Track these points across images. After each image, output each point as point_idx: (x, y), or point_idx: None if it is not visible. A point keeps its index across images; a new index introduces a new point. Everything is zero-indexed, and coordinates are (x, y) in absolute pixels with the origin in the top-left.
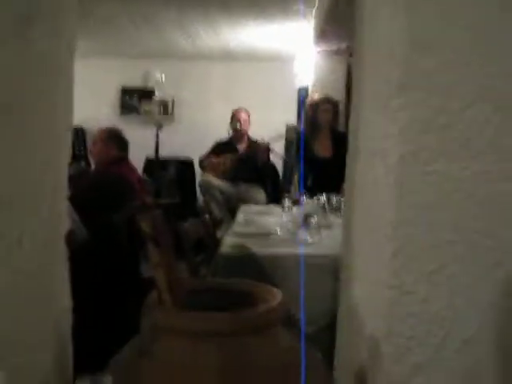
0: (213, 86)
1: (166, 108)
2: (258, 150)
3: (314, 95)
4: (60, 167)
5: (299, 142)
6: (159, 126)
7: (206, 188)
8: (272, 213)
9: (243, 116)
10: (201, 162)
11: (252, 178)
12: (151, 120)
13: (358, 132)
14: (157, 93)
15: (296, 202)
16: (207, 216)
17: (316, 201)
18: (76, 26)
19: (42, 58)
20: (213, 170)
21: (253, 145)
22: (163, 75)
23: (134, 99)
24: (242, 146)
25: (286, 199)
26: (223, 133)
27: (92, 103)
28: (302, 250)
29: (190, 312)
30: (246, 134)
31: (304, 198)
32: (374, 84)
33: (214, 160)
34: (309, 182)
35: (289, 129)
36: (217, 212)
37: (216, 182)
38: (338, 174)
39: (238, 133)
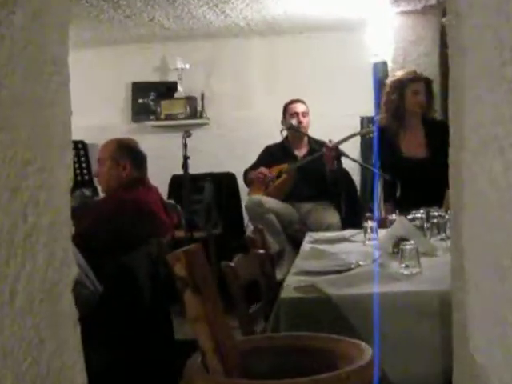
0: (254, 72)
1: (193, 107)
2: (325, 155)
3: (397, 72)
4: (57, 195)
5: (380, 138)
6: (186, 133)
7: (257, 211)
8: (350, 239)
9: (301, 109)
10: (246, 177)
11: (318, 194)
12: (175, 125)
13: (462, 118)
14: (180, 87)
15: (382, 223)
16: (261, 250)
17: (410, 219)
18: (67, 4)
19: (25, 50)
20: (263, 186)
21: (316, 148)
22: (187, 63)
23: (150, 98)
24: (301, 151)
25: (368, 219)
26: (274, 134)
27: (94, 107)
28: (394, 288)
29: (249, 382)
30: (307, 133)
31: (393, 216)
32: (483, 50)
33: (265, 172)
34: (398, 194)
35: (364, 122)
36: (274, 243)
37: (269, 202)
38: (438, 179)
39: (294, 133)
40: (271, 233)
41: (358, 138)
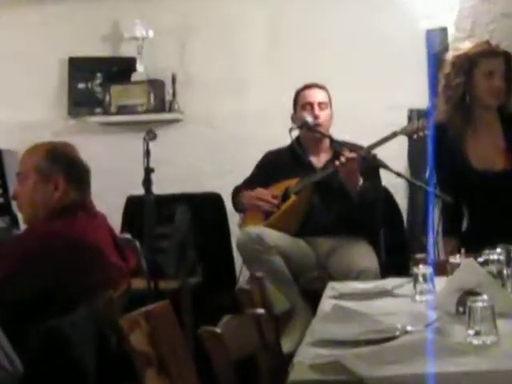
0: (250, 44)
1: (160, 95)
2: (343, 168)
3: (462, 44)
4: None
5: (437, 142)
6: (150, 134)
7: (254, 251)
8: (393, 292)
9: (318, 98)
10: (236, 198)
11: (346, 225)
12: (132, 122)
13: None
14: (140, 66)
15: (441, 268)
16: (260, 309)
17: (482, 262)
18: None
19: None
20: (263, 214)
21: (342, 156)
22: (150, 30)
23: (95, 82)
24: (320, 159)
25: (420, 263)
26: (280, 135)
27: (12, 96)
28: (460, 366)
29: None
30: (328, 134)
31: (457, 259)
32: None
33: (265, 196)
34: (464, 225)
35: (413, 117)
36: (279, 298)
37: (273, 236)
38: None
39: (310, 133)
40: (276, 283)
41: (403, 141)
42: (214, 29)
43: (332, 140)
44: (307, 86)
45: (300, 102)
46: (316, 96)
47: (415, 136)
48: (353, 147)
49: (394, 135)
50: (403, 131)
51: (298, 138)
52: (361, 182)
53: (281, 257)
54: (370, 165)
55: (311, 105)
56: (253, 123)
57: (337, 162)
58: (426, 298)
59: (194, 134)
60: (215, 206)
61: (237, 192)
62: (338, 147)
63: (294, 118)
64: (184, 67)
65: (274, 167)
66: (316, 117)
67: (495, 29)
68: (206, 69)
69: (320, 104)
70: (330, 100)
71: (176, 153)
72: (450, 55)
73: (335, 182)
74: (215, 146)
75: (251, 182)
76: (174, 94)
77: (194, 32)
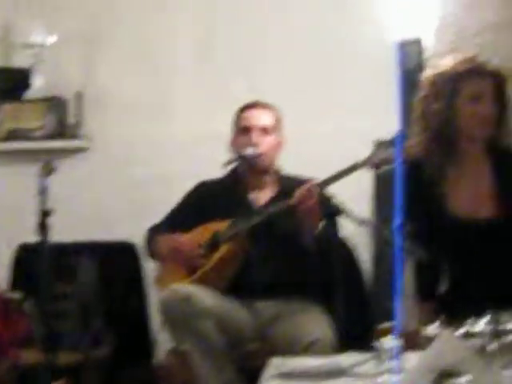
0: (178, 51)
1: (60, 117)
2: (299, 208)
3: (442, 60)
4: None
5: (411, 181)
6: (47, 167)
7: (181, 316)
8: (351, 372)
9: (263, 121)
10: (151, 244)
11: (294, 284)
12: (25, 150)
13: None
14: (36, 80)
15: (412, 341)
16: None
17: (464, 334)
18: None
19: None
20: (186, 268)
21: (291, 192)
22: (50, 34)
23: None
24: (262, 195)
25: (385, 334)
26: (213, 171)
27: None
28: None
29: None
30: (273, 166)
31: (432, 330)
32: None
33: (187, 241)
34: (443, 287)
35: (379, 149)
36: (210, 378)
37: (204, 297)
38: None
39: (252, 163)
40: (207, 357)
41: (367, 179)
42: (131, 36)
43: (279, 174)
44: (248, 106)
45: (237, 126)
46: (258, 118)
47: (381, 170)
48: (309, 182)
49: (353, 168)
50: (366, 162)
51: (234, 170)
52: (321, 224)
53: (214, 324)
54: (325, 209)
55: (249, 129)
56: (177, 155)
57: (296, 196)
58: (393, 378)
59: (103, 168)
60: (128, 258)
61: (153, 234)
62: (286, 182)
63: (231, 147)
64: (92, 83)
65: (205, 202)
66: (254, 144)
67: (484, 42)
68: (120, 86)
69: (263, 129)
70: (278, 123)
71: (80, 191)
72: (427, 74)
73: (280, 226)
74: (130, 183)
75: (173, 221)
76: (78, 116)
77: (106, 39)
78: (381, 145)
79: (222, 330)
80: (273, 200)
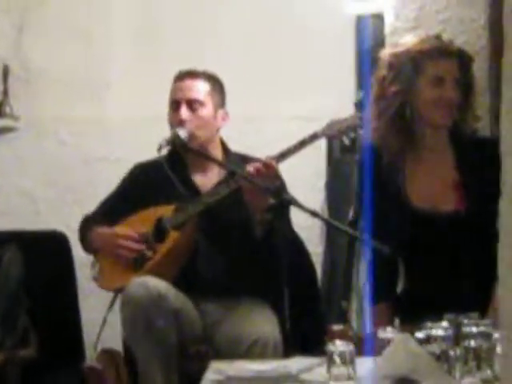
0: (114, 28)
1: None
2: (245, 189)
3: (404, 38)
4: None
5: (368, 169)
6: None
7: (147, 315)
8: (298, 378)
9: (192, 93)
10: (85, 235)
11: (243, 279)
12: None
13: None
14: None
15: (365, 344)
16: None
17: (422, 339)
18: None
19: None
20: (131, 263)
21: (239, 172)
22: None
23: None
24: (207, 178)
25: (337, 336)
26: (151, 153)
27: None
28: None
29: None
30: (213, 144)
31: (388, 332)
32: None
33: (126, 234)
34: (400, 285)
35: (333, 130)
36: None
37: (170, 291)
38: (481, 256)
39: (184, 144)
40: (156, 361)
41: (319, 167)
42: (64, 6)
43: (225, 148)
44: (179, 75)
45: (169, 99)
46: (187, 90)
47: (346, 138)
48: (257, 161)
49: (312, 138)
50: (327, 131)
51: (174, 151)
52: (269, 214)
53: (175, 325)
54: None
55: (178, 103)
56: (113, 135)
57: (248, 169)
58: None
59: (31, 149)
60: (57, 249)
61: (87, 227)
62: (233, 162)
63: (172, 119)
64: (21, 57)
65: (143, 186)
66: (182, 122)
67: (448, 18)
68: (52, 60)
69: (190, 102)
70: (216, 94)
71: (5, 174)
72: (385, 53)
73: (229, 213)
74: (60, 166)
75: (109, 211)
76: (5, 93)
77: (36, 9)
78: (337, 127)
79: (179, 332)
80: (220, 184)
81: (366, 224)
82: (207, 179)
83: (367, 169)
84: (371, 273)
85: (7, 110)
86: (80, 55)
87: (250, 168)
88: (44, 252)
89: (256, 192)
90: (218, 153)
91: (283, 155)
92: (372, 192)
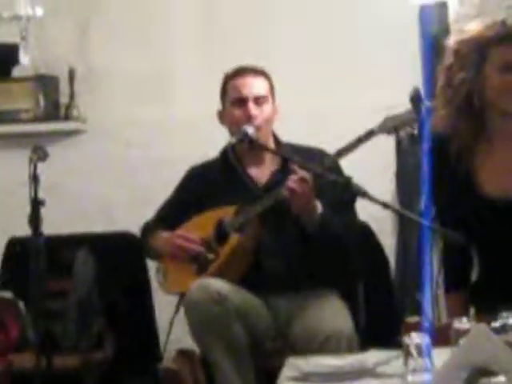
0: (179, 28)
1: (53, 97)
2: (289, 188)
3: (469, 25)
4: None
5: (437, 160)
6: (38, 151)
7: (211, 316)
8: (375, 371)
9: (256, 90)
10: (147, 240)
11: (309, 273)
12: (14, 134)
13: None
14: (24, 56)
15: (442, 336)
16: None
17: (499, 328)
18: None
19: None
20: (195, 265)
21: (292, 175)
22: (38, 6)
23: None
24: (263, 172)
25: (413, 329)
26: (217, 149)
27: None
28: None
29: None
30: (272, 135)
31: (464, 323)
32: None
33: (188, 238)
34: (475, 275)
35: (389, 126)
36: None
37: (232, 292)
38: None
39: (254, 140)
40: (232, 359)
41: (389, 158)
42: (126, 8)
43: (279, 145)
44: (238, 72)
45: (230, 96)
46: (251, 87)
47: (402, 133)
48: (311, 154)
49: (369, 135)
50: (383, 128)
51: (232, 148)
52: (319, 209)
53: (243, 325)
54: (343, 192)
55: (243, 101)
56: (180, 136)
57: (288, 185)
58: (422, 378)
59: (99, 151)
60: (129, 250)
61: (148, 231)
62: (288, 152)
63: (224, 121)
64: (86, 60)
65: (201, 188)
66: (253, 118)
67: None
68: (116, 62)
69: (257, 99)
70: (271, 88)
71: (75, 178)
72: (451, 40)
73: (285, 210)
74: (129, 168)
75: (169, 215)
76: (72, 96)
77: (99, 13)
78: (401, 118)
79: (249, 330)
80: (274, 175)
81: (437, 213)
82: (261, 172)
83: (436, 157)
84: (444, 262)
85: (74, 112)
86: (143, 57)
87: (285, 188)
88: (117, 254)
89: (301, 202)
90: (271, 145)
91: (341, 152)
92: (442, 180)
